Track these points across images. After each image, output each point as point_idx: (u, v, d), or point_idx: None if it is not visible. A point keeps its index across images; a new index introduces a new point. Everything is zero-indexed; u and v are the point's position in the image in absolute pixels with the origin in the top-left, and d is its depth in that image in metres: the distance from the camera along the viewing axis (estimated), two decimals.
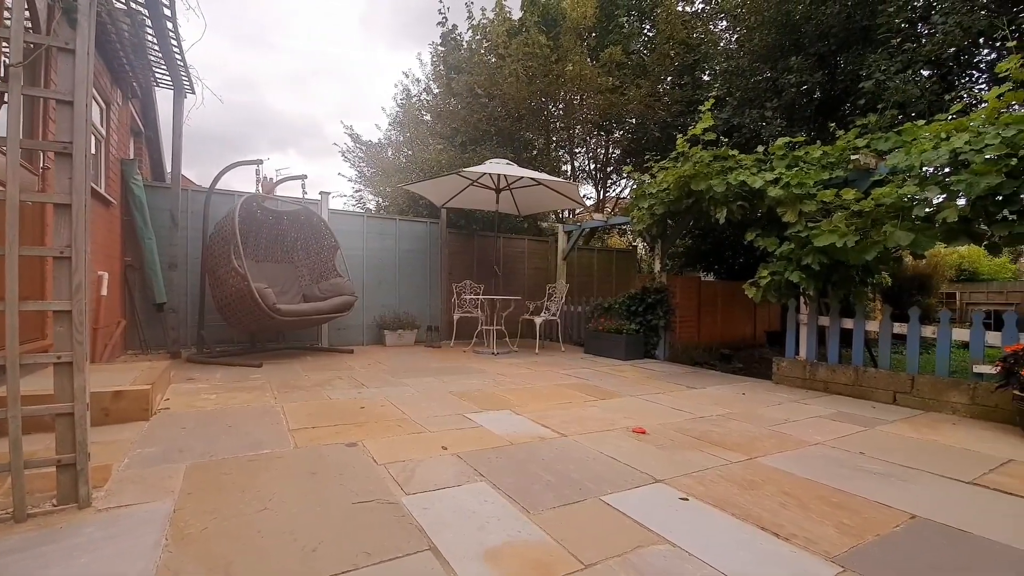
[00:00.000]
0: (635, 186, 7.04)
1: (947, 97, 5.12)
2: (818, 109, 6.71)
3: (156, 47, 5.54)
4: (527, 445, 2.92)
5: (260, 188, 6.63)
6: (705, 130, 5.70)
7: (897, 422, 3.78)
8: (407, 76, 15.97)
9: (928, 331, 4.44)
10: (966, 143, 3.69)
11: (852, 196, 4.42)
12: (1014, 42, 3.98)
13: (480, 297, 7.96)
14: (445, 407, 3.84)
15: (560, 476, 2.42)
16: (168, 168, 7.83)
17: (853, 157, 4.72)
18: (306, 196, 7.27)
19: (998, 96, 3.84)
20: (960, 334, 4.26)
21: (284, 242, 7.36)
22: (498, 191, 7.66)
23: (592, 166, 14.14)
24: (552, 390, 4.66)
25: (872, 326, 4.83)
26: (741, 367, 10.19)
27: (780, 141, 5.36)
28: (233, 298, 5.71)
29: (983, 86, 5.49)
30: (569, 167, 13.88)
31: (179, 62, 5.90)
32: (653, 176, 6.76)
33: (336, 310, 6.68)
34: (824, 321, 5.21)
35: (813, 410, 4.15)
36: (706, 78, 9.61)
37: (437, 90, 12.27)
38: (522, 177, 7.21)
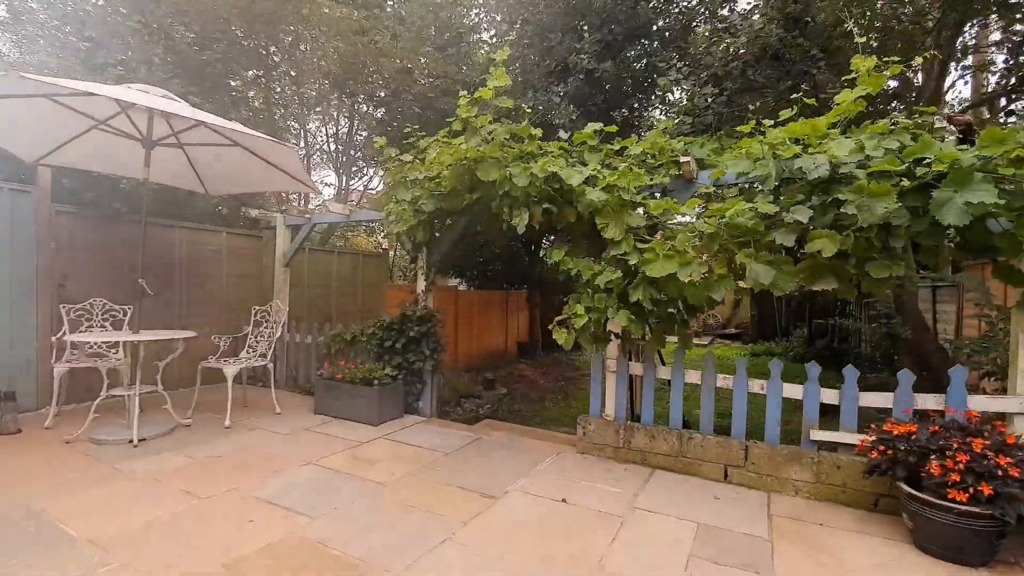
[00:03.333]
0: (392, 169, 4.82)
1: (753, 108, 4.70)
2: (607, 102, 5.81)
3: None
4: None
5: None
6: (499, 92, 3.89)
7: (780, 545, 2.62)
8: None
9: (756, 386, 3.60)
10: (852, 152, 2.77)
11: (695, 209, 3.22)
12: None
13: (120, 336, 4.46)
14: None
15: None
16: None
17: (683, 160, 3.59)
18: None
19: (855, 99, 3.08)
20: (792, 390, 3.50)
21: None
22: (150, 144, 4.30)
23: (332, 146, 11.23)
24: None
25: (693, 377, 3.83)
26: (506, 392, 9.16)
27: (590, 128, 3.95)
28: None
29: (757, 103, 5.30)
30: (302, 143, 10.65)
31: None
32: (421, 158, 4.69)
33: None
34: (637, 369, 4.04)
35: (667, 530, 2.72)
36: (481, 54, 8.07)
37: None
38: (198, 123, 4.15)
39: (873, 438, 2.87)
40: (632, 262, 3.36)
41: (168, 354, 4.58)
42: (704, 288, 3.13)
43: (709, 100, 4.83)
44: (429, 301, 5.23)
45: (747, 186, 3.55)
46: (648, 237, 3.50)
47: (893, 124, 2.93)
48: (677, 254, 3.22)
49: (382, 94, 8.62)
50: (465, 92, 3.87)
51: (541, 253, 13.69)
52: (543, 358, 13.08)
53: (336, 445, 4.02)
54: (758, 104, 4.63)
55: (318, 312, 7.22)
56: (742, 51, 4.41)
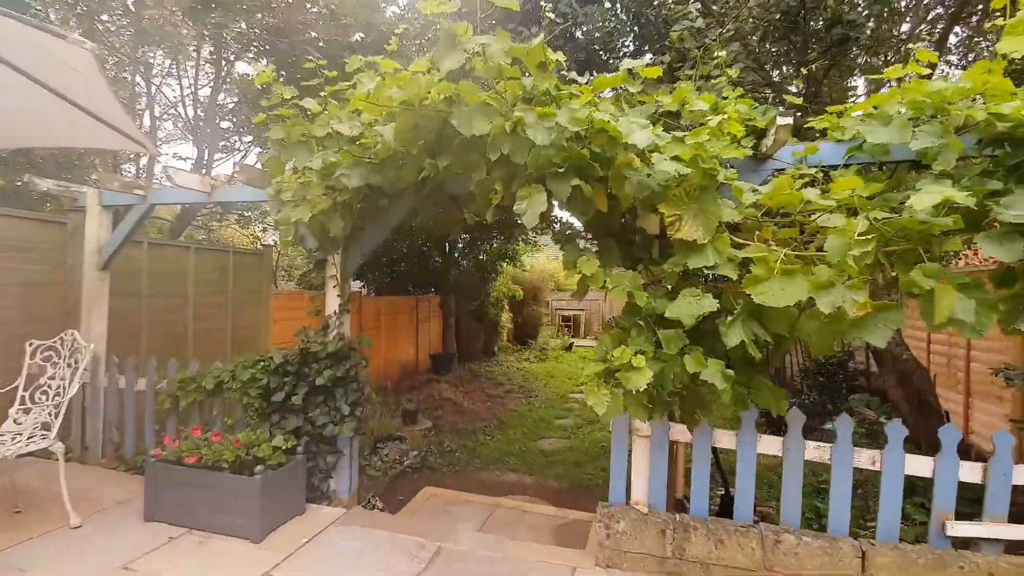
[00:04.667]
0: (288, 122, 3.00)
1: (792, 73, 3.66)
2: (581, 66, 4.47)
3: None
4: None
5: None
6: None
7: None
8: None
9: (864, 459, 2.49)
10: None
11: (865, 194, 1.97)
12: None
13: None
14: None
15: None
16: None
17: (781, 123, 2.34)
18: None
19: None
20: (916, 464, 2.44)
21: None
22: None
23: (192, 111, 8.45)
24: None
25: (770, 446, 2.62)
26: (431, 426, 7.46)
27: (626, 65, 2.55)
28: None
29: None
30: (144, 101, 7.84)
31: None
32: (336, 103, 2.96)
33: None
34: (679, 433, 2.75)
35: None
36: (392, 11, 6.32)
37: None
38: None
39: None
40: (729, 277, 2.05)
41: None
42: (854, 327, 1.91)
43: (731, 63, 3.74)
44: (346, 327, 3.47)
45: (855, 167, 2.43)
46: (736, 239, 2.21)
47: None
48: (802, 270, 1.96)
49: (262, 28, 6.31)
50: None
51: (456, 254, 12.16)
52: (460, 371, 11.59)
53: None
54: (794, 70, 3.69)
55: (163, 337, 4.97)
56: None
